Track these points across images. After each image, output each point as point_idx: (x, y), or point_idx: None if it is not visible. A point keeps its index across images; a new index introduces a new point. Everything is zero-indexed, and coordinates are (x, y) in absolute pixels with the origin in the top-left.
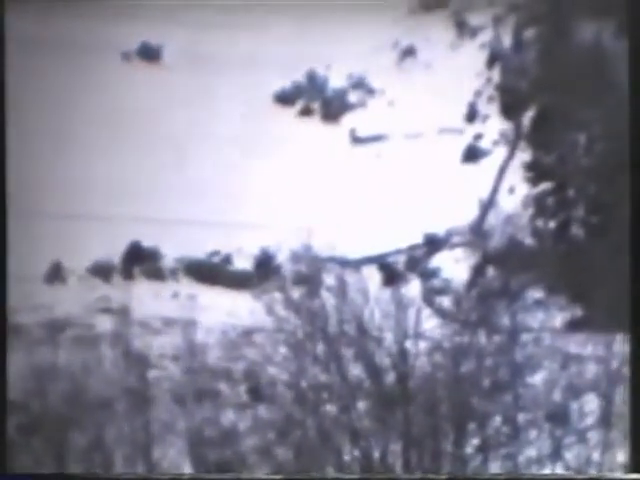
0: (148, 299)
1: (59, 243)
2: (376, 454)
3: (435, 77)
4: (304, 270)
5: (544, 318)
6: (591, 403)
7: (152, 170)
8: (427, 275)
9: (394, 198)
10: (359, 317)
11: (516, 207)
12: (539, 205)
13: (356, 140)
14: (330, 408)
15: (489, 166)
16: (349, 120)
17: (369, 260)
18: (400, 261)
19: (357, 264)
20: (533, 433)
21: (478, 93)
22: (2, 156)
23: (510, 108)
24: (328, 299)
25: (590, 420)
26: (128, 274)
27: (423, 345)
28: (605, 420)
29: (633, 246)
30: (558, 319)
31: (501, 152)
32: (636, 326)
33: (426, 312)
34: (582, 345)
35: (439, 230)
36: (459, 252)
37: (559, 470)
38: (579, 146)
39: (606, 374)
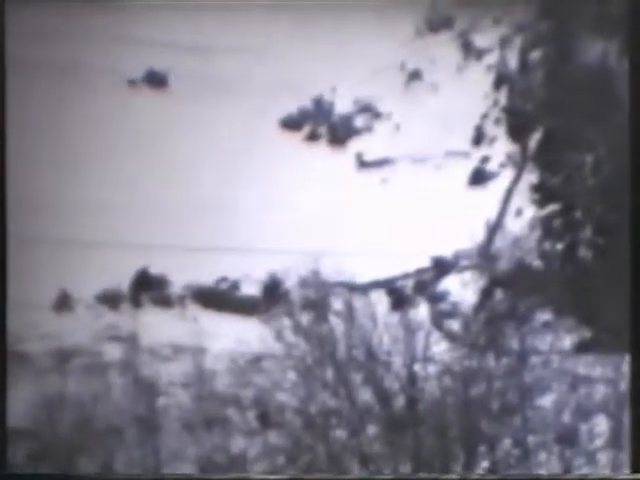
0: (157, 326)
1: (66, 271)
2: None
3: (441, 100)
4: (312, 295)
5: (553, 340)
6: (601, 425)
7: (158, 197)
8: (435, 299)
9: (401, 222)
10: (368, 342)
11: (523, 229)
12: (546, 227)
13: (363, 164)
14: (339, 433)
15: (496, 189)
16: (356, 144)
17: (377, 284)
18: (408, 285)
19: (365, 288)
20: (543, 455)
21: (485, 115)
22: (3, 180)
23: (517, 130)
24: (337, 324)
25: (599, 441)
26: (136, 302)
27: (432, 369)
28: (615, 441)
29: (633, 265)
30: (567, 341)
31: (508, 174)
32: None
33: (435, 336)
34: (591, 366)
35: (447, 253)
36: (467, 275)
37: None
38: (586, 167)
39: (615, 395)
